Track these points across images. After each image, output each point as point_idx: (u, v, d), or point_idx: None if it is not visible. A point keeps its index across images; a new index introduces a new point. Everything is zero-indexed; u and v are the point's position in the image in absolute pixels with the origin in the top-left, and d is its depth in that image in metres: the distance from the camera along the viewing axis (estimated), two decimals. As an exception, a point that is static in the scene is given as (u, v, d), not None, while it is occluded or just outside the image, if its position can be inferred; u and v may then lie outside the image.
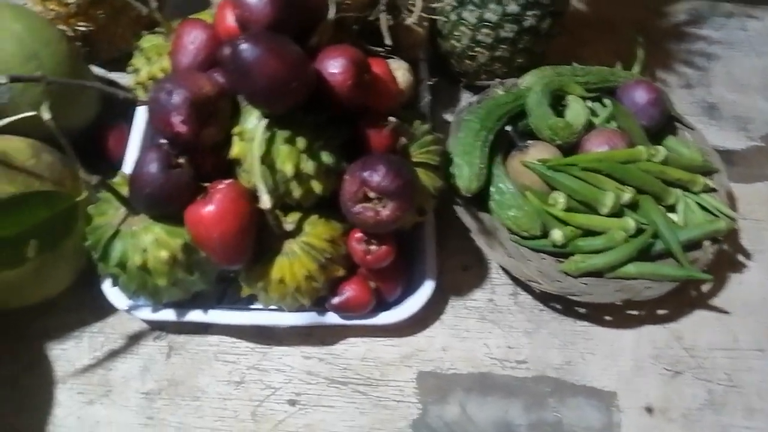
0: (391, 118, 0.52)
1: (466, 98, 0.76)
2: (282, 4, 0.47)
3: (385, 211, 0.50)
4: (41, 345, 0.57)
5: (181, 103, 0.47)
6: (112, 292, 0.56)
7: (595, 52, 0.79)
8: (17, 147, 0.52)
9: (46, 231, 0.47)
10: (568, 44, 0.77)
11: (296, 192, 0.51)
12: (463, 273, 0.64)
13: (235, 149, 0.50)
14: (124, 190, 0.52)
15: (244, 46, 0.44)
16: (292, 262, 0.53)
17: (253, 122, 0.50)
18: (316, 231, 0.53)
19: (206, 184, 0.51)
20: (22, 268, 0.48)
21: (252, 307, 0.59)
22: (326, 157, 0.51)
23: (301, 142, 0.49)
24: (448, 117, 0.74)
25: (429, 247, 0.60)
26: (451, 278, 0.63)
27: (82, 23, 0.66)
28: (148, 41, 0.63)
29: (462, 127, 0.63)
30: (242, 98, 0.51)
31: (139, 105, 0.61)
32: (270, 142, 0.49)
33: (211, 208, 0.48)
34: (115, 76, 0.75)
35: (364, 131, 0.53)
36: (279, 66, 0.45)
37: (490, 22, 0.66)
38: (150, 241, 0.51)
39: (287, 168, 0.49)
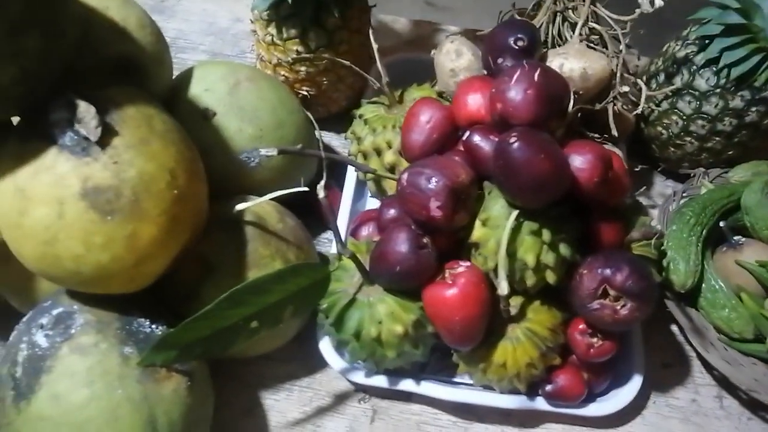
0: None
1: (660, 182, 0.76)
2: (545, 101, 0.49)
3: (624, 310, 0.50)
4: (257, 393, 0.61)
5: (441, 189, 0.49)
6: (329, 352, 0.59)
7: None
8: (268, 211, 0.56)
9: (302, 297, 0.50)
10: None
11: (530, 281, 0.52)
12: (663, 369, 0.63)
13: (477, 233, 0.52)
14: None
15: (516, 146, 0.46)
16: (516, 347, 0.53)
17: (498, 210, 0.51)
18: (539, 318, 0.54)
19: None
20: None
21: (455, 380, 0.60)
22: (565, 250, 0.51)
23: (546, 235, 0.50)
24: (641, 200, 0.74)
25: (636, 341, 0.59)
26: (651, 374, 0.62)
27: (306, 88, 0.71)
28: (370, 111, 0.66)
29: (675, 220, 0.63)
30: (488, 185, 0.53)
31: (373, 177, 0.64)
32: (516, 231, 0.50)
33: (454, 292, 0.50)
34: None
35: (598, 225, 0.54)
36: (547, 166, 0.46)
37: (708, 115, 0.65)
38: (385, 313, 0.53)
39: (529, 259, 0.50)
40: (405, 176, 0.51)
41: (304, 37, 0.66)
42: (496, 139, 0.51)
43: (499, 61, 0.55)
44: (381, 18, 0.88)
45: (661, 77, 0.68)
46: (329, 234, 0.70)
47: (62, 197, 0.42)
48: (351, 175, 0.70)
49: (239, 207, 0.52)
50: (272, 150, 0.52)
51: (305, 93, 0.71)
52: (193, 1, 0.91)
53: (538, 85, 0.49)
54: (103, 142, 0.42)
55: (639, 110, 0.60)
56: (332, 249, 0.64)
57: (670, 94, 0.67)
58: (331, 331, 0.55)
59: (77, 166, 0.42)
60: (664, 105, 0.68)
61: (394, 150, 0.63)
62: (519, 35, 0.55)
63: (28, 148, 0.43)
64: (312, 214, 0.68)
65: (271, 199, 0.59)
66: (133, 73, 0.54)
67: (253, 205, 0.54)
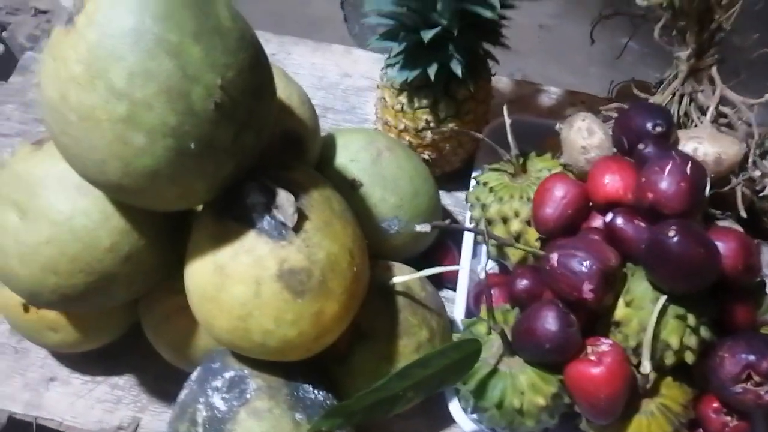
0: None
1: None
2: (695, 193, 0.52)
3: (768, 396, 0.52)
4: (387, 449, 0.64)
5: (594, 273, 0.52)
6: (459, 414, 0.61)
7: None
8: (414, 281, 0.59)
9: (454, 369, 0.53)
10: None
11: (669, 360, 0.54)
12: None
13: (620, 313, 0.54)
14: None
15: (676, 240, 0.48)
16: (650, 422, 0.55)
17: (642, 291, 0.53)
18: (672, 394, 0.56)
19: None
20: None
21: (578, 446, 0.62)
22: (705, 332, 0.53)
23: (690, 319, 0.52)
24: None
25: (758, 418, 0.61)
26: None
27: (428, 152, 0.74)
28: (494, 179, 0.69)
29: (795, 298, 0.64)
30: (630, 266, 0.55)
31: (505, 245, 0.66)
32: (661, 314, 0.52)
33: (601, 370, 0.52)
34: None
35: (733, 306, 0.56)
36: (703, 258, 0.49)
37: (825, 193, 0.67)
38: (527, 385, 0.55)
39: (673, 341, 0.52)
40: (555, 257, 0.53)
41: (434, 108, 0.69)
42: (641, 224, 0.54)
43: (640, 147, 0.57)
44: (483, 77, 0.92)
45: (777, 154, 0.70)
46: (446, 293, 0.73)
47: (260, 277, 0.45)
48: (468, 236, 0.73)
49: (396, 280, 0.55)
50: (426, 226, 0.55)
51: (427, 157, 0.74)
52: (302, 55, 0.95)
53: (690, 179, 0.51)
54: (297, 226, 0.46)
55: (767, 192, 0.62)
56: (454, 313, 0.66)
57: (786, 171, 0.69)
58: (469, 397, 0.58)
59: (274, 249, 0.45)
60: (780, 181, 0.70)
61: (521, 219, 0.65)
62: (658, 121, 0.58)
63: (225, 228, 0.47)
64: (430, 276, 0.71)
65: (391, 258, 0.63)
66: (295, 147, 0.57)
67: (409, 279, 0.57)
